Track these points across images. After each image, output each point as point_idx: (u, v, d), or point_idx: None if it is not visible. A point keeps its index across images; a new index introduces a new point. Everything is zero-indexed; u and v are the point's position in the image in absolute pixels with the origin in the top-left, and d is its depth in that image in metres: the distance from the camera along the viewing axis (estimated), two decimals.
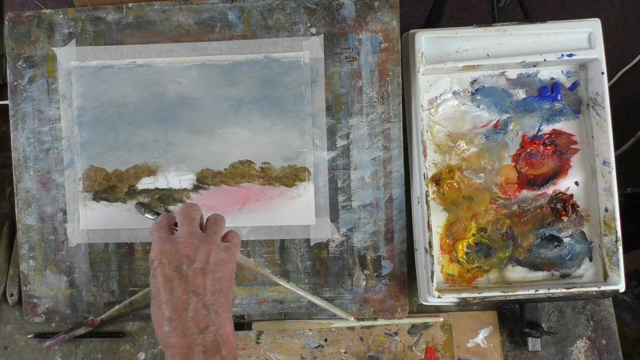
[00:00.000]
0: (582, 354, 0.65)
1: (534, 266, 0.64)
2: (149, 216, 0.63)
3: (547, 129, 0.65)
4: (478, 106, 0.65)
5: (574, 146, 0.65)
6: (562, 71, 0.65)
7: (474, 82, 0.65)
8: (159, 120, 0.66)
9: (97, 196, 0.66)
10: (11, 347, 0.68)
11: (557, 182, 0.65)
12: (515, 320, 0.66)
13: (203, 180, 0.66)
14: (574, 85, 0.65)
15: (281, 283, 0.63)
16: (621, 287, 0.60)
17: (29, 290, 0.67)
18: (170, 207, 0.66)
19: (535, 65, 0.64)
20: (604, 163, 0.62)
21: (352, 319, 0.64)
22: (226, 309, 0.49)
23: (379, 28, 0.64)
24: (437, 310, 0.67)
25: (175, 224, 0.55)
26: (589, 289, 0.60)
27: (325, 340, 0.67)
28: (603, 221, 0.63)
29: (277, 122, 0.65)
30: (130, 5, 0.66)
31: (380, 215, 0.65)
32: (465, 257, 0.64)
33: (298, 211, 0.65)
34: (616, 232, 0.61)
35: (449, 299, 0.60)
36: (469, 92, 0.65)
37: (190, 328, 0.46)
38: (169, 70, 0.66)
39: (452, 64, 0.62)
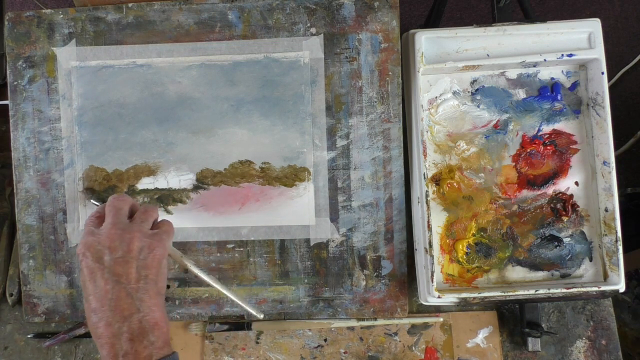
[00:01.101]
0: (582, 354, 0.65)
1: (534, 266, 0.64)
2: (94, 202, 0.64)
3: (547, 129, 0.65)
4: (478, 106, 0.65)
5: (574, 146, 0.65)
6: (562, 71, 0.65)
7: (474, 82, 0.65)
8: (159, 120, 0.66)
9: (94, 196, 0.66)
10: (11, 347, 0.68)
11: (557, 182, 0.65)
12: (515, 320, 0.66)
13: (203, 180, 0.66)
14: (574, 85, 0.65)
15: (202, 276, 0.58)
16: (621, 287, 0.60)
17: (29, 290, 0.67)
18: (170, 207, 0.66)
19: (535, 65, 0.64)
20: (604, 163, 0.62)
21: (261, 316, 0.61)
22: (153, 295, 0.49)
23: (379, 28, 0.64)
24: (437, 310, 0.67)
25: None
26: (589, 289, 0.60)
27: (325, 340, 0.67)
28: (603, 221, 0.63)
29: (277, 122, 0.65)
30: (130, 5, 0.66)
31: (380, 215, 0.65)
32: (465, 257, 0.64)
33: (298, 211, 0.65)
34: (616, 232, 0.61)
35: (449, 299, 0.60)
36: (469, 92, 0.65)
37: (115, 317, 0.46)
38: (169, 70, 0.66)
39: (452, 64, 0.62)
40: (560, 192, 0.65)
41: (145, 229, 0.52)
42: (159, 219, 0.55)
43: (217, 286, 0.59)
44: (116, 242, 0.49)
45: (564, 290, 0.60)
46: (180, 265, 0.61)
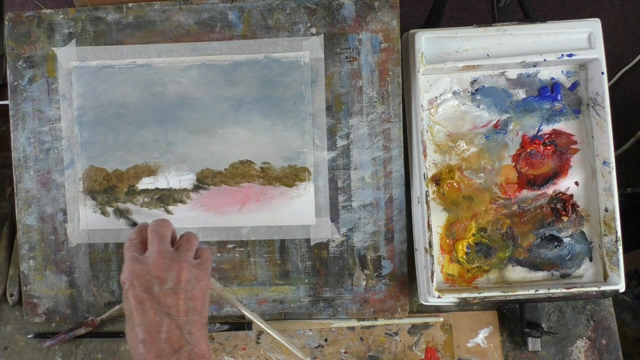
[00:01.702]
0: (582, 354, 0.65)
1: (534, 266, 0.64)
2: (124, 222, 0.63)
3: (547, 129, 0.65)
4: (478, 106, 0.65)
5: (574, 146, 0.65)
6: (562, 71, 0.65)
7: (474, 82, 0.65)
8: (159, 120, 0.66)
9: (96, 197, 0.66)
10: (11, 347, 0.68)
11: (557, 182, 0.65)
12: (515, 320, 0.66)
13: (203, 180, 0.66)
14: (574, 85, 0.65)
15: (246, 314, 0.58)
16: (621, 287, 0.60)
17: (29, 290, 0.67)
18: (170, 207, 0.66)
19: (535, 65, 0.64)
20: (604, 163, 0.62)
21: (308, 359, 0.62)
22: (200, 327, 0.48)
23: (379, 28, 0.64)
24: (437, 310, 0.67)
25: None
26: (589, 289, 0.60)
27: (325, 340, 0.67)
28: (603, 221, 0.63)
29: (277, 122, 0.65)
30: (130, 5, 0.66)
31: (380, 215, 0.65)
32: (465, 257, 0.64)
33: (298, 211, 0.65)
34: (616, 232, 0.61)
35: (449, 299, 0.60)
36: (469, 92, 0.65)
37: (164, 349, 0.46)
38: (169, 70, 0.66)
39: (452, 64, 0.62)
40: (560, 192, 0.65)
41: (191, 259, 0.51)
42: (193, 243, 0.54)
43: (261, 324, 0.59)
44: (166, 273, 0.48)
45: (564, 290, 0.60)
46: (219, 297, 0.61)
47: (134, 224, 0.57)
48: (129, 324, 0.48)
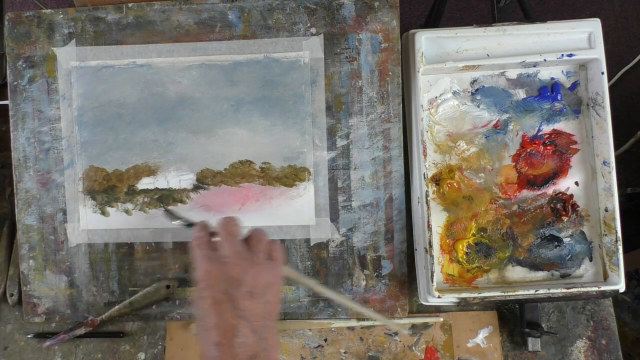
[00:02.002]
0: (582, 354, 0.65)
1: (534, 266, 0.64)
2: (177, 224, 0.60)
3: (547, 129, 0.65)
4: (478, 106, 0.65)
5: (574, 146, 0.65)
6: (562, 71, 0.65)
7: (474, 82, 0.65)
8: (159, 120, 0.66)
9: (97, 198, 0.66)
10: (11, 347, 0.68)
11: (557, 182, 0.65)
12: (515, 320, 0.66)
13: (203, 180, 0.66)
14: (574, 85, 0.65)
15: (328, 294, 0.57)
16: (621, 287, 0.60)
17: (29, 290, 0.67)
18: (170, 207, 0.66)
19: (535, 65, 0.64)
20: (604, 163, 0.62)
21: (406, 332, 0.62)
22: (274, 333, 0.48)
23: (379, 28, 0.64)
24: (437, 310, 0.67)
25: (212, 234, 0.53)
26: (589, 289, 0.60)
27: (325, 340, 0.67)
28: (603, 221, 0.63)
29: (277, 122, 0.65)
30: (130, 5, 0.66)
31: (380, 215, 0.65)
32: (465, 257, 0.64)
33: (298, 211, 0.65)
34: (616, 232, 0.61)
35: (449, 299, 0.60)
36: (469, 92, 0.65)
37: (239, 355, 0.44)
38: (169, 70, 0.66)
39: (452, 64, 0.62)
40: (560, 192, 0.65)
41: (266, 261, 0.50)
42: (264, 242, 0.52)
43: (351, 304, 0.59)
44: (242, 275, 0.47)
45: (564, 290, 0.60)
46: (302, 285, 0.60)
47: (191, 224, 0.56)
48: (202, 325, 0.46)
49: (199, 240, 0.51)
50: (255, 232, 0.52)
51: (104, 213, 0.66)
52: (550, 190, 0.65)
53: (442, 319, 0.66)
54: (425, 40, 0.62)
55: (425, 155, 0.62)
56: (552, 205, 0.65)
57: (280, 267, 0.51)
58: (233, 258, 0.48)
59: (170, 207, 0.65)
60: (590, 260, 0.64)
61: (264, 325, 0.46)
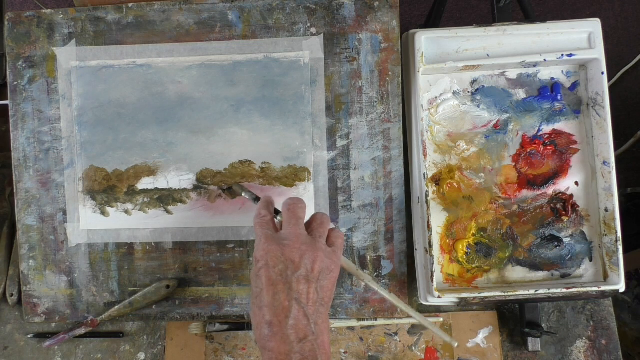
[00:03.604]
0: (582, 354, 0.65)
1: (534, 266, 0.64)
2: (247, 197, 0.61)
3: (547, 129, 0.65)
4: (478, 106, 0.65)
5: (574, 146, 0.65)
6: (562, 71, 0.65)
7: (474, 82, 0.65)
8: (158, 120, 0.66)
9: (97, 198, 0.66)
10: (11, 347, 0.68)
11: (557, 182, 0.65)
12: (515, 320, 0.66)
13: (203, 180, 0.66)
14: (574, 85, 0.65)
15: (381, 292, 0.57)
16: (621, 287, 0.60)
17: (29, 290, 0.67)
18: (170, 207, 0.66)
19: (535, 65, 0.64)
20: (604, 163, 0.62)
21: (456, 344, 0.60)
22: (325, 319, 0.48)
23: (379, 28, 0.64)
24: (437, 310, 0.67)
25: (276, 212, 0.54)
26: (589, 289, 0.60)
27: None
28: (603, 221, 0.63)
29: (277, 122, 0.65)
30: (130, 5, 0.66)
31: (380, 215, 0.65)
32: (465, 257, 0.64)
33: None
34: (616, 232, 0.61)
35: (449, 299, 0.60)
36: (469, 92, 0.65)
37: (290, 336, 0.45)
38: (169, 70, 0.66)
39: (452, 64, 0.62)
40: (560, 192, 0.65)
41: (325, 247, 0.50)
42: (326, 227, 0.53)
43: (402, 306, 0.57)
44: (301, 259, 0.48)
45: (564, 290, 0.60)
46: (354, 276, 0.60)
47: (257, 198, 0.56)
48: (256, 303, 0.48)
49: (261, 219, 0.52)
50: (319, 215, 0.53)
51: (103, 213, 0.66)
52: (550, 190, 0.65)
53: (442, 319, 0.66)
54: (425, 40, 0.62)
55: (425, 155, 0.62)
56: (552, 205, 0.65)
57: (339, 254, 0.51)
58: (293, 241, 0.49)
59: (239, 184, 0.64)
60: (590, 260, 0.64)
61: (317, 310, 0.47)
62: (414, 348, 0.66)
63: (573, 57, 0.62)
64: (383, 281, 0.65)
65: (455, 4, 1.46)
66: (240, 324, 0.66)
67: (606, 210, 0.62)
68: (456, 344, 0.61)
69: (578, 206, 0.64)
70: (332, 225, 0.54)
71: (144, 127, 0.66)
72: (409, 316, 0.59)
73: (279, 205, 0.56)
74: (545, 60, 0.62)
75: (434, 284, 0.60)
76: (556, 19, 0.63)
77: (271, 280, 0.47)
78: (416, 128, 0.63)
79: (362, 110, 0.65)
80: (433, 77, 0.65)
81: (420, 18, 1.47)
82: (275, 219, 0.54)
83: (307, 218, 0.54)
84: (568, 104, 0.65)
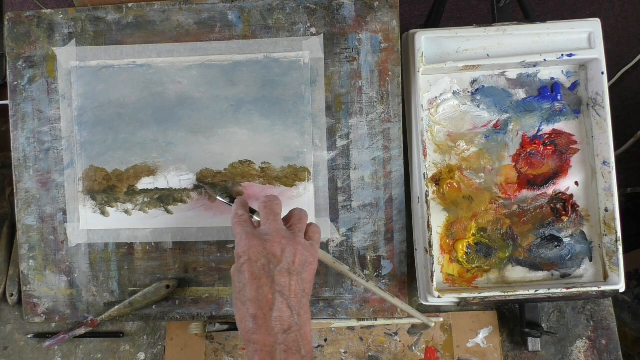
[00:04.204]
0: (582, 354, 0.65)
1: (534, 266, 0.64)
2: (221, 199, 0.63)
3: (547, 129, 0.65)
4: (478, 106, 0.65)
5: (574, 146, 0.65)
6: (562, 71, 0.65)
7: (474, 82, 0.65)
8: (158, 120, 0.66)
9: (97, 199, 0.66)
10: (11, 347, 0.68)
11: (557, 182, 0.65)
12: (515, 320, 0.66)
13: (203, 180, 0.66)
14: (574, 85, 0.65)
15: (360, 282, 0.60)
16: (621, 287, 0.60)
17: (29, 290, 0.67)
18: (170, 207, 0.66)
19: (535, 65, 0.64)
20: (604, 163, 0.62)
21: (432, 324, 0.63)
22: (307, 310, 0.50)
23: (379, 28, 0.64)
24: (437, 310, 0.67)
25: (252, 211, 0.56)
26: (589, 289, 0.60)
27: (325, 340, 0.67)
28: (603, 221, 0.63)
29: (277, 122, 0.65)
30: (130, 5, 0.66)
31: (380, 215, 0.65)
32: (465, 257, 0.64)
33: None
34: (616, 232, 0.61)
35: (449, 299, 0.60)
36: (469, 92, 0.65)
37: (274, 328, 0.47)
38: (169, 70, 0.66)
39: (452, 64, 0.62)
40: (560, 192, 0.65)
41: (304, 241, 0.52)
42: (304, 222, 0.54)
43: (382, 294, 0.60)
44: (282, 253, 0.49)
45: (564, 290, 0.60)
46: (332, 268, 0.62)
47: (233, 200, 0.58)
48: (239, 297, 0.49)
49: (239, 218, 0.53)
50: (297, 210, 0.55)
51: (103, 213, 0.66)
52: (550, 190, 0.65)
53: (442, 319, 0.66)
54: (425, 40, 0.62)
55: (425, 155, 0.62)
56: (552, 205, 0.65)
57: (317, 247, 0.53)
58: (274, 236, 0.50)
59: (211, 182, 0.65)
60: (590, 260, 0.64)
61: (299, 301, 0.49)
62: (414, 348, 0.66)
63: (573, 57, 0.62)
64: (383, 281, 0.65)
65: (455, 4, 1.46)
66: None
67: (606, 210, 0.62)
68: (432, 324, 0.63)
69: (578, 206, 0.64)
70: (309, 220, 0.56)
71: (144, 127, 0.66)
72: (406, 314, 0.60)
73: (293, 206, 0.57)
74: (545, 60, 0.62)
75: (434, 284, 0.60)
76: (556, 19, 0.63)
77: (254, 275, 0.48)
78: (416, 128, 0.63)
79: (362, 110, 0.65)
80: (433, 77, 0.65)
81: (420, 18, 1.47)
82: (252, 218, 0.56)
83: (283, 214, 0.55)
84: (568, 104, 0.65)
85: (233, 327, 0.66)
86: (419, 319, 0.63)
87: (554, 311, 0.67)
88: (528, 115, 0.65)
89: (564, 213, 0.64)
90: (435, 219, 0.64)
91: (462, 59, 0.62)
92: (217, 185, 0.65)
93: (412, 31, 0.63)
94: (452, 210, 0.65)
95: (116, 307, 0.65)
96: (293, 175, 0.65)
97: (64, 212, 0.66)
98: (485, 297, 0.60)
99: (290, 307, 0.48)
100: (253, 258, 0.49)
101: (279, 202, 0.54)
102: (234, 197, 0.62)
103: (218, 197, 0.63)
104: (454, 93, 0.65)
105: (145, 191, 0.66)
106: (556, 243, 0.64)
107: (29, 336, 0.67)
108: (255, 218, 0.57)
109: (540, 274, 0.64)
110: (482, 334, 0.66)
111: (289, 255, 0.49)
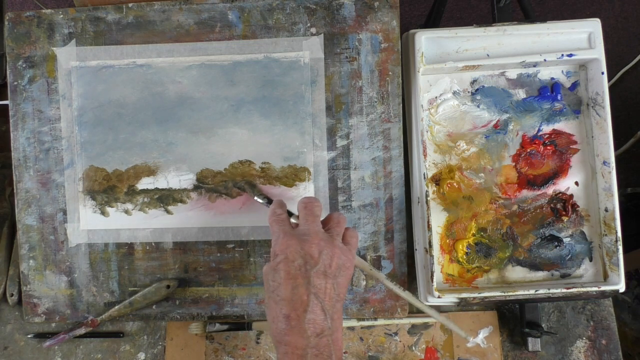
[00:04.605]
0: (582, 354, 0.65)
1: (534, 266, 0.64)
2: (259, 200, 0.62)
3: (547, 129, 0.65)
4: (478, 106, 0.65)
5: (574, 146, 0.65)
6: (562, 71, 0.65)
7: (474, 82, 0.65)
8: (158, 120, 0.66)
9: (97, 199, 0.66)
10: (11, 347, 0.68)
11: (557, 182, 0.65)
12: (515, 320, 0.66)
13: (203, 180, 0.66)
14: (574, 85, 0.65)
15: (395, 290, 0.59)
16: (621, 287, 0.60)
17: (29, 290, 0.67)
18: (170, 207, 0.66)
19: (535, 65, 0.64)
20: (604, 163, 0.62)
21: (471, 339, 0.62)
22: (340, 315, 0.49)
23: (379, 28, 0.64)
24: (437, 310, 0.67)
25: (289, 213, 0.55)
26: (589, 289, 0.60)
27: None
28: (603, 221, 0.63)
29: (277, 122, 0.65)
30: (130, 5, 0.66)
31: (380, 215, 0.65)
32: (465, 257, 0.64)
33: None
34: (616, 232, 0.61)
35: (449, 299, 0.60)
36: (469, 92, 0.65)
37: (307, 330, 0.46)
38: (169, 70, 0.66)
39: (452, 64, 0.62)
40: (560, 192, 0.65)
41: (342, 245, 0.51)
42: (342, 226, 0.54)
43: (417, 304, 0.59)
44: (319, 255, 0.48)
45: (564, 290, 0.60)
46: (368, 275, 0.62)
47: (270, 201, 0.59)
48: (272, 297, 0.48)
49: (277, 217, 0.53)
50: (336, 214, 0.54)
51: (104, 213, 0.66)
52: (550, 190, 0.65)
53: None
54: (425, 40, 0.62)
55: (425, 155, 0.62)
56: (552, 205, 0.65)
57: (354, 253, 0.52)
58: (312, 237, 0.49)
59: (250, 181, 0.65)
60: (590, 260, 0.64)
61: (333, 306, 0.48)
62: (414, 348, 0.66)
63: (573, 57, 0.62)
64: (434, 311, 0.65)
65: (455, 4, 1.46)
66: (240, 324, 0.66)
67: (606, 210, 0.62)
68: (471, 339, 0.62)
69: (578, 206, 0.64)
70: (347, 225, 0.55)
71: (144, 127, 0.66)
72: (426, 315, 0.60)
73: (293, 206, 0.57)
74: (545, 60, 0.62)
75: (434, 284, 0.60)
76: (556, 19, 0.63)
77: (290, 274, 0.47)
78: (416, 128, 0.63)
79: (362, 110, 0.65)
80: (433, 77, 0.65)
81: (420, 18, 1.47)
82: (290, 219, 0.55)
83: (322, 217, 0.54)
84: (568, 104, 0.65)
85: (233, 327, 0.66)
86: (459, 333, 0.62)
87: (554, 311, 0.67)
88: (528, 115, 0.65)
89: (564, 213, 0.64)
90: (435, 219, 0.64)
91: (462, 59, 0.62)
92: (255, 185, 0.64)
93: (412, 31, 0.63)
94: (452, 210, 0.65)
95: (116, 307, 0.65)
96: (293, 175, 0.65)
97: (64, 212, 0.66)
98: (485, 297, 0.60)
99: (324, 310, 0.47)
100: (290, 257, 0.48)
101: (319, 205, 0.53)
102: (271, 198, 0.62)
103: (256, 198, 0.63)
104: (454, 93, 0.65)
105: (145, 191, 0.66)
106: (556, 243, 0.64)
107: (29, 336, 0.67)
108: (293, 220, 0.56)
109: (540, 274, 0.64)
110: (482, 334, 0.66)
111: (326, 258, 0.48)
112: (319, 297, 0.47)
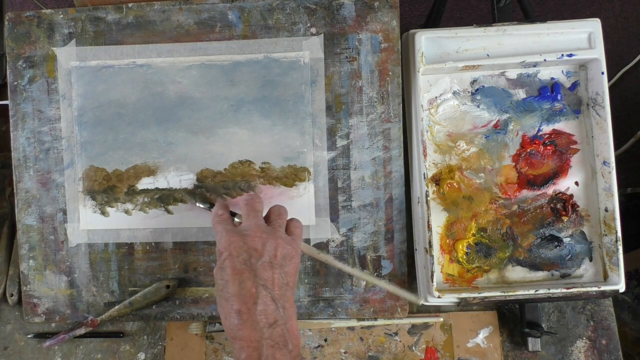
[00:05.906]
0: (582, 354, 0.65)
1: (534, 266, 0.64)
2: (200, 205, 0.64)
3: (547, 129, 0.65)
4: (478, 106, 0.65)
5: (574, 146, 0.65)
6: (562, 71, 0.65)
7: (474, 82, 0.65)
8: (158, 120, 0.66)
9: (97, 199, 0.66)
10: (11, 347, 0.68)
11: (557, 182, 0.65)
12: (515, 320, 0.66)
13: (203, 180, 0.66)
14: (574, 85, 0.65)
15: (345, 269, 0.60)
16: (621, 287, 0.60)
17: (29, 290, 0.67)
18: (171, 207, 0.66)
19: (535, 65, 0.64)
20: (604, 163, 0.62)
21: (421, 301, 0.63)
22: (292, 303, 0.50)
23: (379, 28, 0.64)
24: (437, 310, 0.67)
25: (232, 213, 0.56)
26: (589, 289, 0.60)
27: (325, 340, 0.67)
28: (603, 221, 0.63)
29: (277, 122, 0.65)
30: (130, 5, 0.66)
31: (380, 215, 0.65)
32: (465, 257, 0.64)
33: (298, 211, 0.65)
34: (616, 232, 0.61)
35: (449, 299, 0.60)
36: (469, 92, 0.65)
37: (260, 322, 0.46)
38: (169, 70, 0.66)
39: (452, 64, 0.62)
40: (560, 192, 0.65)
41: (285, 235, 0.52)
42: (284, 217, 0.55)
43: (366, 277, 0.61)
44: (263, 247, 0.49)
45: (564, 290, 0.60)
46: (316, 259, 0.63)
47: (212, 205, 0.60)
48: (222, 295, 0.48)
49: (219, 218, 0.54)
50: (276, 207, 0.55)
51: (104, 213, 0.66)
52: (550, 190, 0.65)
53: (442, 319, 0.66)
54: (425, 40, 0.62)
55: (425, 155, 0.62)
56: (552, 205, 0.65)
57: (299, 241, 0.53)
58: (254, 231, 0.51)
59: (192, 191, 0.66)
60: (590, 260, 0.64)
61: (283, 294, 0.48)
62: (414, 348, 0.66)
63: (573, 57, 0.62)
64: (383, 281, 0.65)
65: (455, 4, 1.46)
66: None
67: (606, 210, 0.62)
68: (421, 302, 0.62)
69: (578, 206, 0.64)
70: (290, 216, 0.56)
71: (144, 127, 0.66)
72: (427, 315, 0.60)
73: (290, 207, 0.58)
74: (545, 60, 0.62)
75: (434, 284, 0.60)
76: (556, 19, 0.63)
77: (236, 270, 0.48)
78: (416, 128, 0.63)
79: (362, 110, 0.65)
80: (433, 77, 0.65)
81: (420, 18, 1.47)
82: (233, 219, 0.56)
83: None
84: (568, 104, 0.65)
85: None
86: (403, 296, 0.62)
87: (554, 311, 0.67)
88: (528, 115, 0.65)
89: (564, 213, 0.64)
90: (435, 219, 0.64)
91: (462, 59, 0.62)
92: (195, 193, 0.65)
93: (412, 31, 0.63)
94: (452, 210, 0.65)
95: (116, 307, 0.65)
96: (293, 175, 0.65)
97: (64, 212, 0.66)
98: (485, 297, 0.60)
99: (274, 300, 0.47)
100: (234, 253, 0.49)
101: (261, 200, 0.55)
102: (213, 202, 0.63)
103: (197, 204, 0.64)
104: (454, 93, 0.65)
105: (145, 191, 0.66)
106: (556, 243, 0.64)
107: (29, 336, 0.67)
108: (237, 220, 0.57)
109: (540, 274, 0.64)
110: (482, 334, 0.66)
111: (270, 249, 0.49)
112: (267, 288, 0.48)
